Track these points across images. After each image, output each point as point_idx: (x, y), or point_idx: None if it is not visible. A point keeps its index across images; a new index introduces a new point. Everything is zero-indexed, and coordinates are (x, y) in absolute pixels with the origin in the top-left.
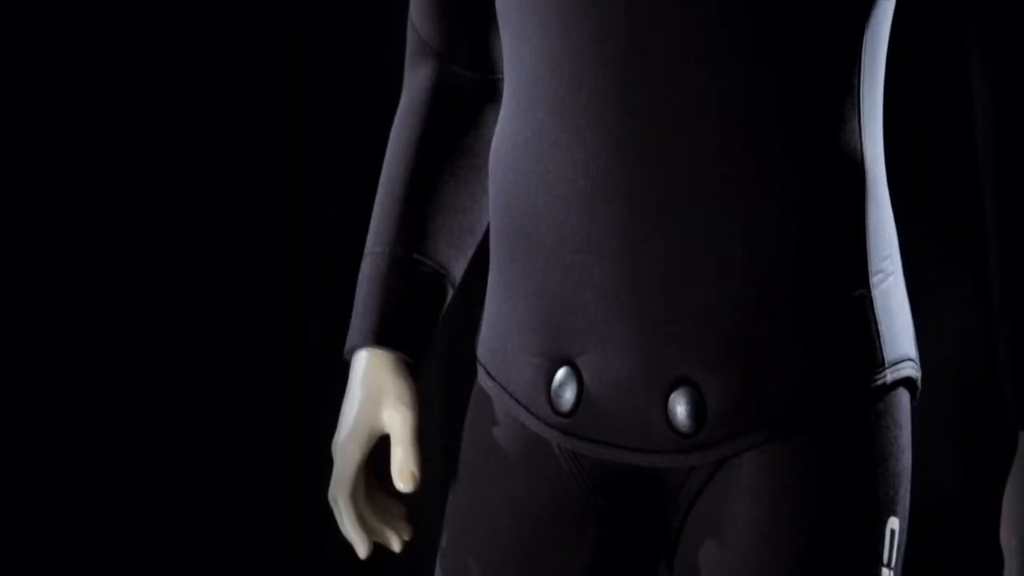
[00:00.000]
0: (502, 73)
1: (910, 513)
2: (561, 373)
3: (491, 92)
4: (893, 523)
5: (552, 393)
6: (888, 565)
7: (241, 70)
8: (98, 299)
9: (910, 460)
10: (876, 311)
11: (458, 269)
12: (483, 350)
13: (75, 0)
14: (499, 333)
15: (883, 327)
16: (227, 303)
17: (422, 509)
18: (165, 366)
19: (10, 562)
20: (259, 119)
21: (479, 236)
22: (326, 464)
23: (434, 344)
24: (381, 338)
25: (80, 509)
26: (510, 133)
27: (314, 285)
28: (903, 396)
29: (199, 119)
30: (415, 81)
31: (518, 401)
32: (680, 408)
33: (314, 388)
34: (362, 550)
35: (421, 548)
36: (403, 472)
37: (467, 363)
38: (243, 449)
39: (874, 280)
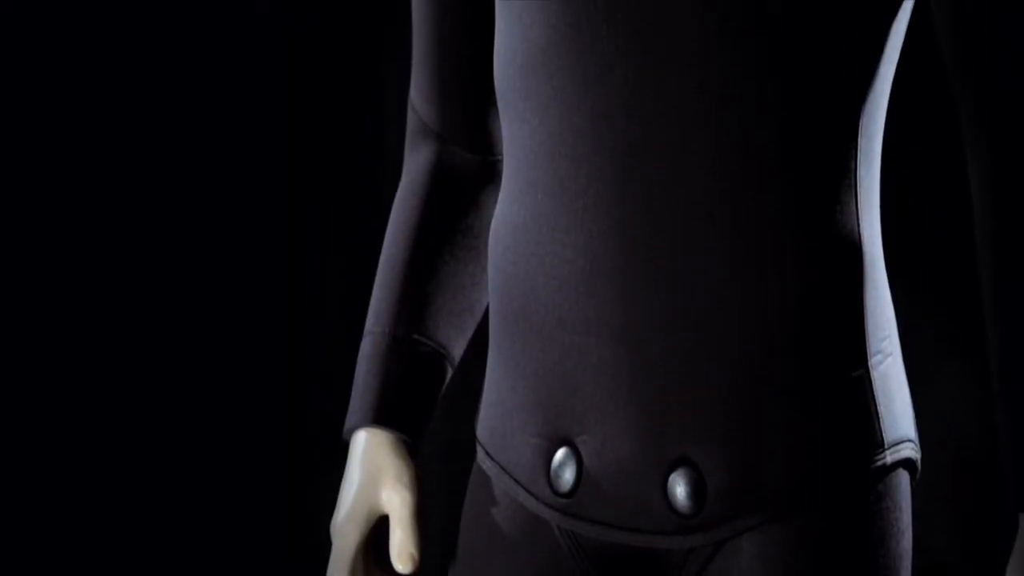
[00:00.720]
0: (502, 154)
1: None
2: (560, 454)
3: (491, 173)
4: None
5: (551, 474)
6: None
7: (241, 70)
8: (98, 299)
9: (911, 542)
10: (875, 392)
11: (457, 349)
12: (482, 430)
13: (75, 0)
14: (498, 413)
15: (882, 408)
16: (227, 303)
17: None
18: (165, 366)
19: (10, 562)
20: (259, 119)
21: (479, 316)
22: (325, 465)
23: (433, 424)
24: (380, 418)
25: (80, 509)
26: (509, 214)
27: (314, 285)
28: (903, 477)
29: (199, 119)
30: (415, 162)
31: (517, 481)
32: (680, 489)
33: (314, 389)
34: None
35: None
36: (402, 553)
37: (467, 443)
38: (243, 450)
39: (873, 361)
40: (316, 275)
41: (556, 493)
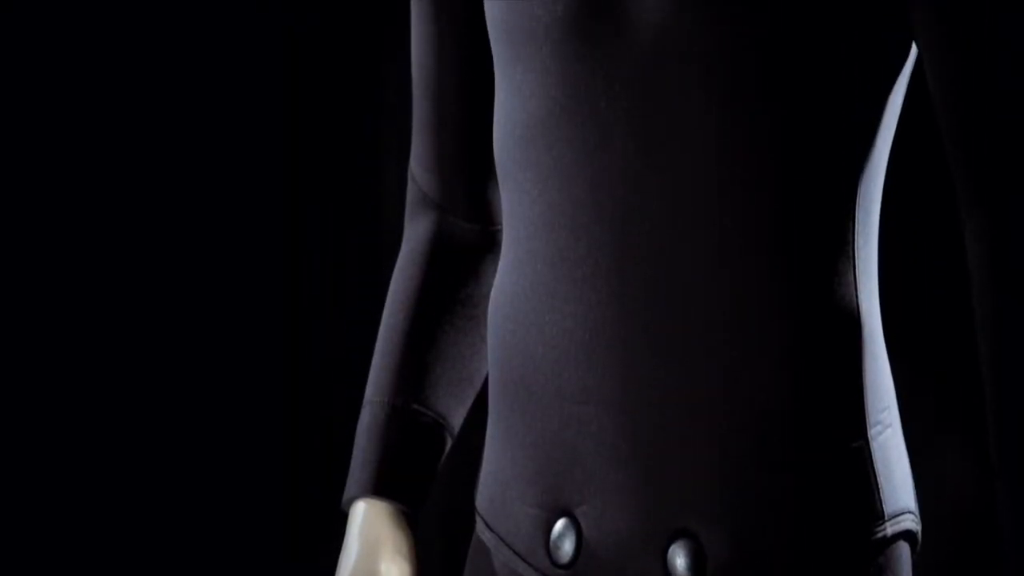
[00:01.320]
0: (501, 224)
1: None
2: (560, 524)
3: (490, 243)
4: None
5: (551, 544)
6: None
7: (241, 70)
8: (98, 299)
9: None
10: (875, 463)
11: (457, 419)
12: (481, 500)
13: (75, 0)
14: (497, 483)
15: (882, 479)
16: (227, 303)
17: None
18: (165, 366)
19: (10, 562)
20: (259, 119)
21: (478, 386)
22: (326, 465)
23: (433, 494)
24: (379, 488)
25: (80, 509)
26: (509, 284)
27: (314, 285)
28: (904, 549)
29: (199, 119)
30: (415, 232)
31: (516, 552)
32: (679, 560)
33: (314, 389)
34: None
35: None
36: None
37: (466, 514)
38: (243, 449)
39: (872, 432)
40: (316, 275)
41: (555, 564)
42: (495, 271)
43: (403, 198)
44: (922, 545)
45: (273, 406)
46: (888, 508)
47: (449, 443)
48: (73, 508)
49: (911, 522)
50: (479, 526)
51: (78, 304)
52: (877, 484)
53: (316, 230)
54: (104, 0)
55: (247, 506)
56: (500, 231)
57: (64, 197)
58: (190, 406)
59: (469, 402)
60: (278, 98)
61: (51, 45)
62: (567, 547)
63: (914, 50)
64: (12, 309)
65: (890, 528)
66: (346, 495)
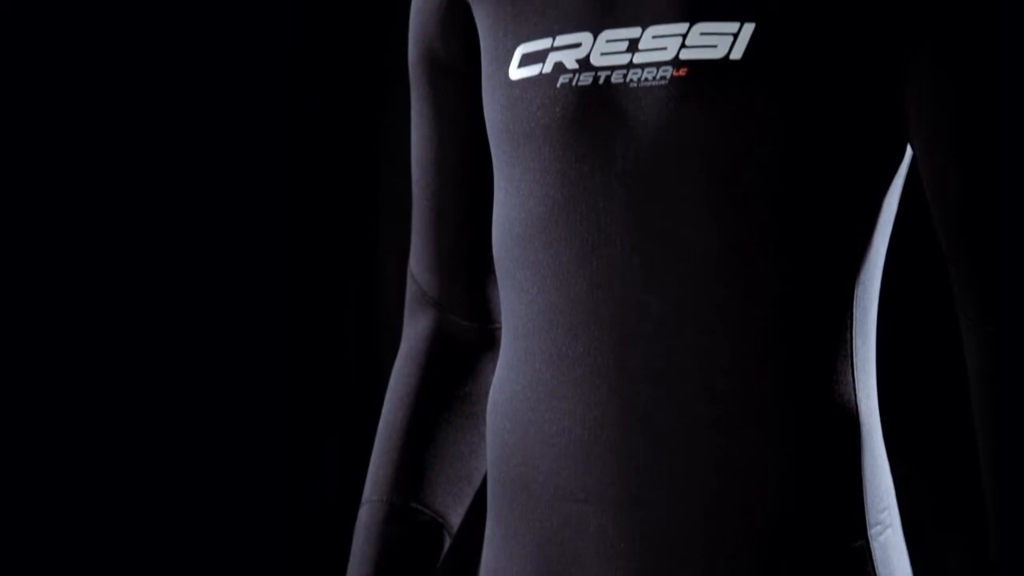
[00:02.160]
0: (500, 322)
1: None
2: None
3: (489, 341)
4: None
5: None
6: None
7: (241, 70)
8: (95, 299)
9: None
10: (875, 563)
11: (456, 517)
12: None
13: (75, 0)
14: None
15: None
16: (225, 303)
17: None
18: (163, 366)
19: (10, 562)
20: (259, 120)
21: (477, 484)
22: (326, 466)
23: None
24: None
25: (78, 509)
26: (507, 382)
27: (314, 285)
28: None
29: (198, 119)
30: (414, 329)
31: None
32: None
33: (314, 389)
34: None
35: None
36: None
37: None
38: (242, 450)
39: (872, 531)
40: (316, 275)
41: None
42: (494, 369)
43: (402, 199)
44: None
45: (273, 406)
46: None
47: (448, 541)
48: (71, 508)
49: None
50: None
51: (75, 304)
52: None
53: (316, 230)
54: (103, 0)
55: (246, 506)
56: (499, 329)
57: (61, 197)
58: (188, 406)
59: (468, 500)
60: (278, 99)
61: (50, 45)
62: None
63: (909, 151)
64: (9, 309)
65: None
66: None
